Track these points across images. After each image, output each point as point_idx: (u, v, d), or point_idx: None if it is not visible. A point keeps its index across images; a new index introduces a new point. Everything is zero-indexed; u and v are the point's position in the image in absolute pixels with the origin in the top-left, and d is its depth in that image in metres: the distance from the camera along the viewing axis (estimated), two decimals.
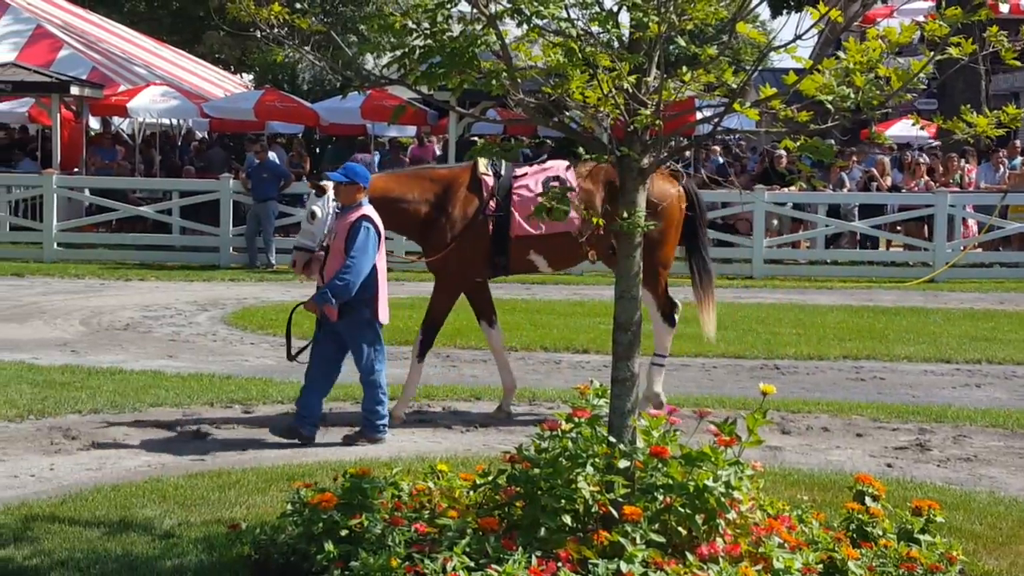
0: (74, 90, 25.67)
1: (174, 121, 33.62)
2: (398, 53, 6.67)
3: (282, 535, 6.99)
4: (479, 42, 6.31)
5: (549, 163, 11.76)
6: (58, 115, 25.83)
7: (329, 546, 6.42)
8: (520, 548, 6.14)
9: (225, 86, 37.31)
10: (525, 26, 6.15)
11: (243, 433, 10.65)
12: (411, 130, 31.98)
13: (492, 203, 11.22)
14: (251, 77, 47.13)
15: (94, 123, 31.36)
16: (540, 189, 10.94)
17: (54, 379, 12.42)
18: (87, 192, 24.97)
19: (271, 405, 11.59)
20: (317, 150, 33.55)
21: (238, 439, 10.45)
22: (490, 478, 6.87)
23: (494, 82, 6.33)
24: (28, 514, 8.08)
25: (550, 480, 6.40)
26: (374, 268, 10.17)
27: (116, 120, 33.04)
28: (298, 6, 33.89)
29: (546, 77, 6.49)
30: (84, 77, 27.66)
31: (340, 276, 9.99)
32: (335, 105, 29.15)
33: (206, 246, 23.97)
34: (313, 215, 10.58)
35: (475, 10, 6.39)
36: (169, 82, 31.14)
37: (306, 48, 7.29)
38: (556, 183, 10.91)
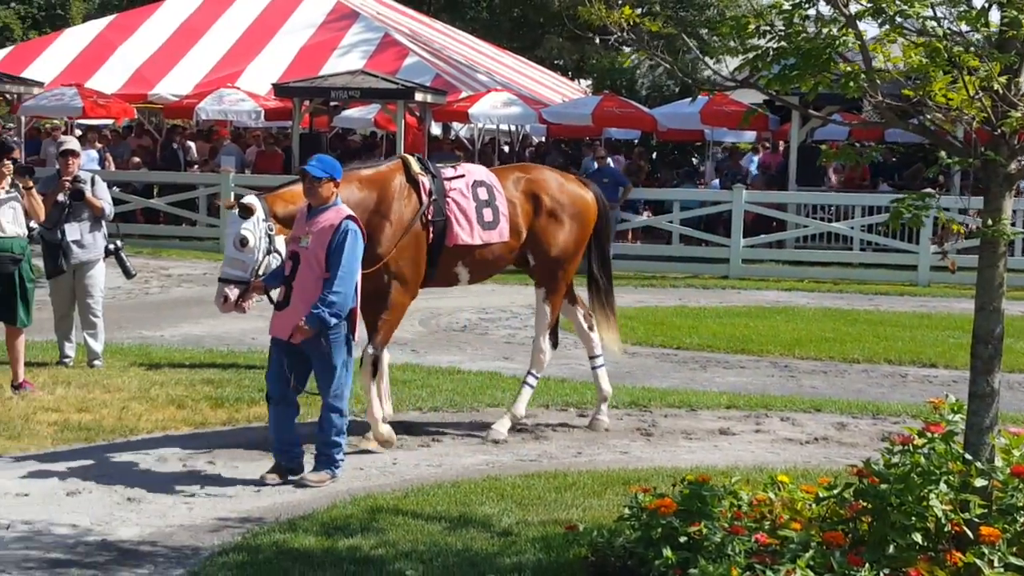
0: (419, 97, 26.40)
1: (512, 127, 34.21)
2: (750, 56, 6.54)
3: (619, 538, 6.95)
4: (837, 43, 6.11)
5: (464, 166, 10.71)
6: (402, 121, 26.62)
7: (667, 552, 6.34)
8: (867, 565, 5.93)
9: (563, 91, 37.76)
10: (887, 26, 5.92)
11: (578, 436, 10.69)
12: (748, 136, 31.65)
13: (431, 208, 10.09)
14: (588, 82, 47.60)
15: (435, 129, 32.21)
16: (471, 195, 10.25)
17: (396, 377, 12.70)
18: None
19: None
20: (654, 155, 33.60)
21: (573, 441, 10.49)
22: (835, 491, 6.66)
23: (851, 84, 6.12)
24: (373, 505, 8.32)
25: (900, 496, 6.16)
26: None
27: (455, 126, 33.87)
28: (638, 10, 33.91)
29: (905, 78, 6.24)
30: (428, 84, 28.43)
31: (333, 290, 8.73)
32: (673, 110, 29.09)
33: None
34: (244, 241, 9.14)
35: (833, 10, 6.19)
36: (509, 88, 31.70)
37: (656, 51, 7.23)
38: (483, 189, 10.34)
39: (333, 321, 8.72)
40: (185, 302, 18.34)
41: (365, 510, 8.20)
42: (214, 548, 7.49)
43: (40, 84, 28.52)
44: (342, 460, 9.07)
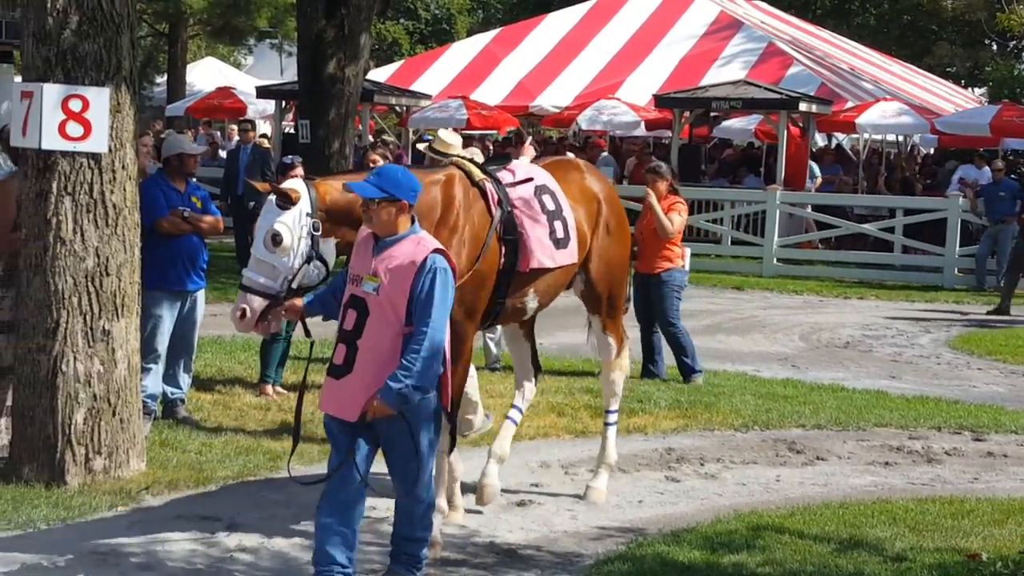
0: (803, 107, 25.86)
1: (900, 138, 33.17)
2: None
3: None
4: None
5: (522, 166, 8.32)
6: (784, 131, 26.16)
7: None
8: None
9: (955, 101, 36.33)
10: None
11: (973, 461, 10.19)
12: None
13: (501, 223, 7.84)
14: (983, 91, 45.64)
15: (818, 139, 31.53)
16: (536, 203, 8.00)
17: (776, 392, 12.47)
18: (808, 208, 25.10)
19: (1004, 434, 11.01)
20: None
21: (968, 466, 10.00)
22: None
23: None
24: (757, 523, 8.12)
25: None
26: None
27: (838, 136, 33.07)
28: None
29: None
30: (812, 94, 27.84)
31: (421, 354, 6.29)
32: None
33: (929, 266, 23.35)
34: (278, 238, 6.85)
35: None
36: (897, 97, 30.70)
37: None
38: (548, 196, 8.10)
39: (418, 396, 6.36)
40: (562, 311, 18.42)
41: (749, 526, 8.02)
42: (598, 556, 7.48)
43: (428, 97, 29.48)
44: (426, 558, 6.86)
